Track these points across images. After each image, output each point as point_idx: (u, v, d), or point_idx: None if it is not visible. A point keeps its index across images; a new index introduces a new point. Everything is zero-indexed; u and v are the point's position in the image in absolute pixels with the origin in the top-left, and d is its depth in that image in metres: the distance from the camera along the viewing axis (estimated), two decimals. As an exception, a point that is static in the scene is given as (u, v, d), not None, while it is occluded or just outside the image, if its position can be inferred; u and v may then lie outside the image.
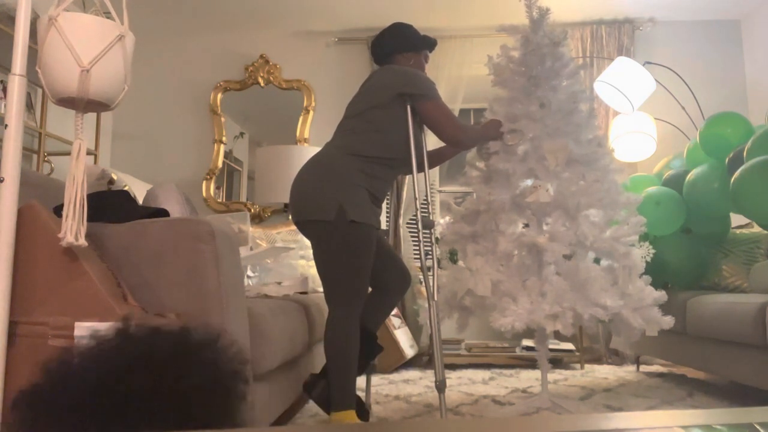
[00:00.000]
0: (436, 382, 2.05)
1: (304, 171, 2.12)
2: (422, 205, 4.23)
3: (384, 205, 3.75)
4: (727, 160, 2.74)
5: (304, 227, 2.08)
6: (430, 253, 3.97)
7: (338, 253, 2.00)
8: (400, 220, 4.11)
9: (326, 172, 2.06)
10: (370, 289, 2.26)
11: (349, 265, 2.00)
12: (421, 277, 2.03)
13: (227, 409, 1.08)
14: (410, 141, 2.14)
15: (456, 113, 4.28)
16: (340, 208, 1.98)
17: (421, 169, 2.23)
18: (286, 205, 4.25)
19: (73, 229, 1.36)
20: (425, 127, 2.26)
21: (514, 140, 2.33)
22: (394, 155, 2.13)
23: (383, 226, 4.10)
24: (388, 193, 2.28)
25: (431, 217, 2.26)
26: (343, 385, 1.97)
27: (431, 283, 2.12)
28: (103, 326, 1.16)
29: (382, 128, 2.12)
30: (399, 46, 2.32)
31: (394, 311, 3.74)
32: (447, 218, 2.53)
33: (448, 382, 3.12)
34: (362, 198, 2.04)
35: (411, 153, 2.15)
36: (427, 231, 2.18)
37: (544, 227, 2.31)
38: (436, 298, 2.09)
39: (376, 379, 3.24)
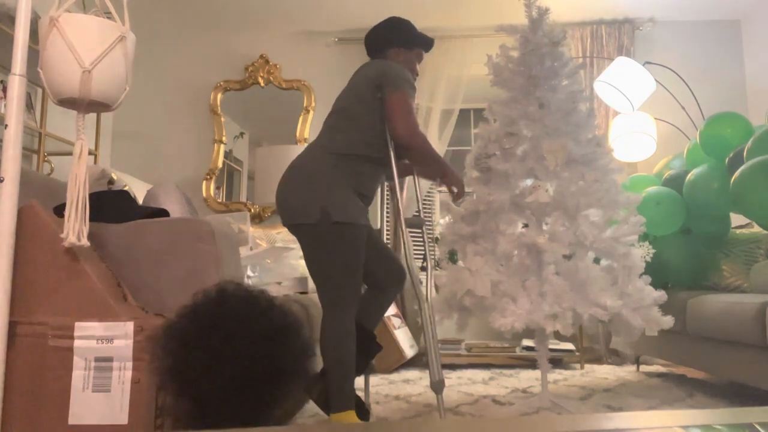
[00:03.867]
0: (431, 383, 2.02)
1: (287, 174, 2.08)
2: (415, 210, 4.23)
3: (384, 205, 3.74)
4: (727, 160, 2.74)
5: (292, 230, 2.08)
6: (431, 253, 3.97)
7: (326, 255, 1.98)
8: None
9: (308, 174, 2.03)
10: (365, 288, 2.25)
11: (338, 266, 1.98)
12: (421, 276, 2.02)
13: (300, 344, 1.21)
14: (388, 137, 2.09)
15: (456, 113, 4.29)
16: (323, 210, 1.95)
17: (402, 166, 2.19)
18: (286, 205, 4.24)
19: (75, 230, 1.37)
20: None
21: (510, 143, 2.32)
22: (377, 152, 2.10)
23: (384, 224, 4.10)
24: (379, 189, 2.25)
25: (422, 216, 2.24)
26: (341, 386, 1.96)
27: (426, 284, 2.10)
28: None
29: (364, 124, 2.08)
30: (391, 41, 2.27)
31: (394, 311, 3.74)
32: (447, 218, 2.52)
33: (447, 382, 3.11)
34: (346, 197, 2.01)
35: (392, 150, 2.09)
36: (418, 230, 2.15)
37: (544, 227, 2.31)
38: (429, 300, 2.07)
39: (376, 379, 3.24)
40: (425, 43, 2.31)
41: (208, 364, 1.17)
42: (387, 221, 4.31)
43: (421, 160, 2.16)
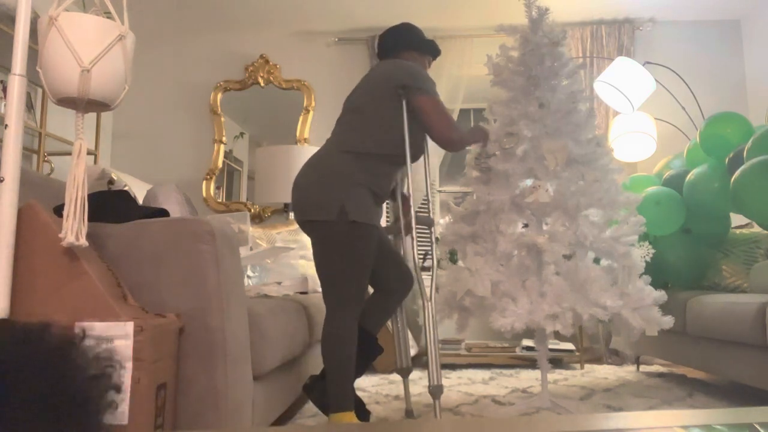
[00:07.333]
0: (429, 386, 1.99)
1: (307, 170, 2.08)
2: (422, 203, 4.23)
3: (386, 204, 3.74)
4: (727, 160, 2.74)
5: (305, 227, 2.07)
6: (430, 253, 3.97)
7: (339, 253, 1.99)
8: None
9: (327, 171, 2.03)
10: (371, 290, 2.25)
11: (348, 265, 1.99)
12: (424, 276, 2.03)
13: (81, 416, 1.01)
14: (406, 136, 2.10)
15: (456, 113, 4.28)
16: (342, 208, 1.96)
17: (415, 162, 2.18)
18: (286, 205, 4.24)
19: (73, 229, 1.36)
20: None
21: (510, 143, 2.32)
22: (394, 151, 2.09)
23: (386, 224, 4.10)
24: (392, 189, 2.25)
25: (431, 216, 2.23)
26: (341, 387, 1.96)
27: (430, 284, 2.10)
28: None
29: (381, 123, 2.08)
30: (409, 43, 2.29)
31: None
32: (447, 218, 2.52)
33: (447, 382, 3.11)
34: (364, 197, 2.01)
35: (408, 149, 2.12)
36: (427, 229, 2.16)
37: (544, 227, 2.31)
38: (431, 300, 2.05)
39: (375, 378, 3.24)
40: (434, 50, 2.37)
41: None
42: (387, 219, 4.30)
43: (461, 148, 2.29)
